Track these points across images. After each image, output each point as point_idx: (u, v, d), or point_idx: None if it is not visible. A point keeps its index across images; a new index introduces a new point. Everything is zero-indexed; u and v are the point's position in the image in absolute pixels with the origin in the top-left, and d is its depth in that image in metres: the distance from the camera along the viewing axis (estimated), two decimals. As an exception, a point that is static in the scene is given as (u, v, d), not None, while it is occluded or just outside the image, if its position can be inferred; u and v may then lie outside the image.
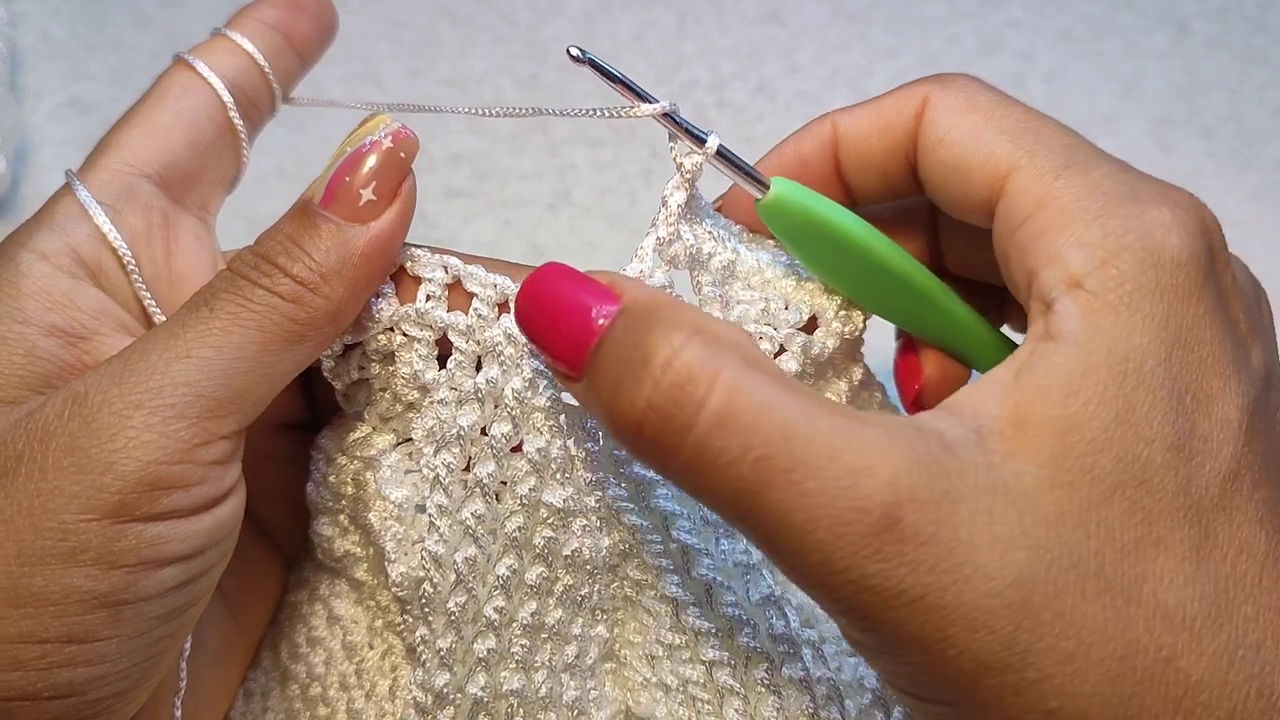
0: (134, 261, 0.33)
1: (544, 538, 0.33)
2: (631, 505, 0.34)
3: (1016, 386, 0.27)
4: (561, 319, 0.28)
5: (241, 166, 0.38)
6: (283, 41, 0.38)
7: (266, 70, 0.38)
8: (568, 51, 0.31)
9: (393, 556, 0.34)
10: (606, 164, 0.63)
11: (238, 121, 0.37)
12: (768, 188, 0.32)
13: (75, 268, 0.32)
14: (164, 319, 0.34)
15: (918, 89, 0.33)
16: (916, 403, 0.37)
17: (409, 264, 0.33)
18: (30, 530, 0.27)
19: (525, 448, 0.33)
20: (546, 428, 0.33)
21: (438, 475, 0.33)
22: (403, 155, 0.32)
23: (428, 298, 0.33)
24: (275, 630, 0.41)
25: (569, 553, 0.34)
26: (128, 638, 0.29)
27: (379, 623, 0.38)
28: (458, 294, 0.33)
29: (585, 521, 0.34)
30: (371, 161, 0.31)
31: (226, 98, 0.36)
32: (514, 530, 0.33)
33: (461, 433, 0.33)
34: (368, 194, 0.31)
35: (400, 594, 0.34)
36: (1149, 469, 0.26)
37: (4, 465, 0.28)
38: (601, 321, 0.27)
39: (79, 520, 0.27)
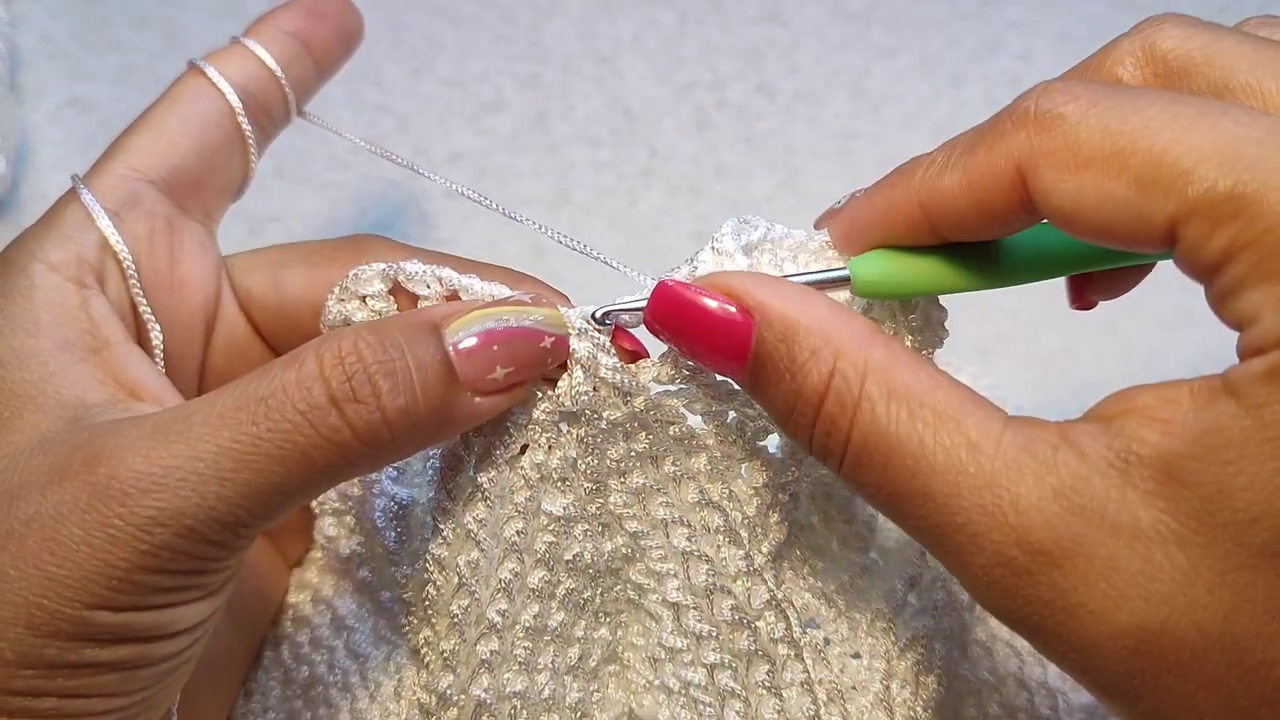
0: (135, 269, 0.33)
1: (545, 543, 0.33)
2: (632, 513, 0.34)
3: (1180, 432, 0.25)
4: (707, 339, 0.29)
5: (249, 174, 0.38)
6: (301, 49, 0.38)
7: (280, 78, 0.37)
8: (591, 316, 0.31)
9: (397, 559, 0.34)
10: (606, 164, 0.63)
11: (247, 129, 0.37)
12: (847, 280, 0.31)
13: (86, 277, 0.32)
14: (158, 328, 0.34)
15: (1001, 151, 0.27)
16: (1081, 299, 0.35)
17: (401, 278, 0.33)
18: (41, 612, 0.27)
19: (523, 460, 0.33)
20: (545, 440, 0.33)
21: (441, 480, 0.33)
22: (550, 361, 0.31)
23: None
24: (278, 631, 0.41)
25: (570, 557, 0.34)
26: (140, 690, 0.29)
27: (383, 624, 0.38)
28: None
29: (587, 526, 0.34)
30: (525, 351, 0.30)
31: (236, 104, 0.36)
32: (513, 535, 0.33)
33: (467, 438, 0.33)
34: (500, 373, 0.30)
35: (404, 596, 0.34)
36: None
37: (13, 529, 0.27)
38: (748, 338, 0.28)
39: (88, 611, 0.27)
